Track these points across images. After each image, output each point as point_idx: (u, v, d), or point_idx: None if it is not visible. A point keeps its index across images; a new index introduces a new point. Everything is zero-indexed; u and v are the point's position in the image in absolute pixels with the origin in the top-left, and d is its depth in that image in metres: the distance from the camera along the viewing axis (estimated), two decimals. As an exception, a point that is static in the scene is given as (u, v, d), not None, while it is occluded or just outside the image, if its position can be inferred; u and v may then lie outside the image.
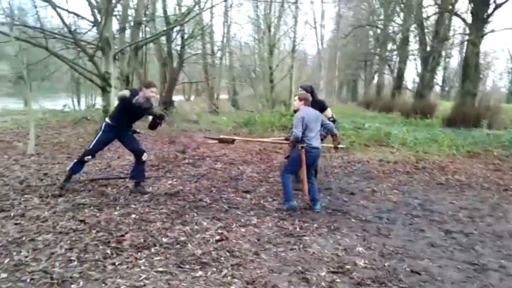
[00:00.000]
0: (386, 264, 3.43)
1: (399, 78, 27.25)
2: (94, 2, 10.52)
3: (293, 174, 5.16)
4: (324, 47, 28.45)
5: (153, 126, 5.38)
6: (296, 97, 5.11)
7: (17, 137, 9.80)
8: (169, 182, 5.97)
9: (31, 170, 6.53)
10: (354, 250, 3.70)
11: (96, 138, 5.40)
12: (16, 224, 3.96)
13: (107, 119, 5.40)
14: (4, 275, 2.92)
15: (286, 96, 23.31)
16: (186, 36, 18.01)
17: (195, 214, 4.47)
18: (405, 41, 25.93)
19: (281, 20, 23.37)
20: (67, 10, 10.62)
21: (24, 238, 3.59)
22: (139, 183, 5.43)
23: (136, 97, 4.95)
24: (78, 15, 11.29)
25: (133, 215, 4.33)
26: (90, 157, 5.39)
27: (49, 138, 10.04)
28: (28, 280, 2.86)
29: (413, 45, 27.19)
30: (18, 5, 9.97)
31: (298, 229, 4.19)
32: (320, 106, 5.50)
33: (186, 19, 13.82)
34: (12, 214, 4.23)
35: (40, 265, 3.09)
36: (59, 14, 9.43)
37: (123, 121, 5.30)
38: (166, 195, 5.26)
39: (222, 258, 3.34)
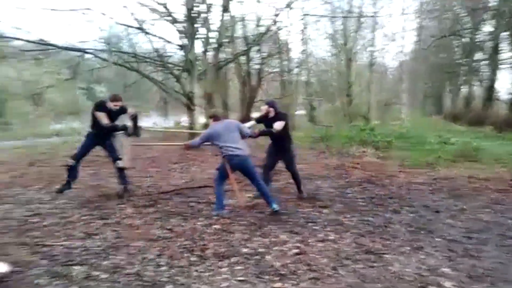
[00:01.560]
0: (474, 287, 3.24)
1: (490, 88, 25.20)
2: (180, 28, 11.36)
3: (221, 183, 5.34)
4: (406, 59, 27.40)
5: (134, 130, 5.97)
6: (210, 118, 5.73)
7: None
8: (248, 195, 6.19)
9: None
10: (438, 271, 3.55)
11: (81, 144, 6.00)
12: (113, 231, 4.42)
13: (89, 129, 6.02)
14: (104, 275, 3.29)
15: (364, 110, 22.79)
16: (264, 54, 18.55)
17: (273, 227, 4.61)
18: (496, 49, 24.03)
19: (358, 33, 23.04)
20: (156, 36, 11.60)
21: (120, 244, 3.99)
22: (126, 188, 6.05)
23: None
24: (166, 40, 12.27)
25: (215, 226, 4.59)
26: (74, 161, 5.89)
27: (141, 153, 10.93)
28: (123, 282, 3.18)
29: (506, 53, 25.07)
30: (114, 33, 11.02)
31: (378, 246, 4.11)
32: (278, 118, 5.87)
33: (263, 39, 14.28)
34: (110, 221, 4.73)
35: (134, 268, 3.43)
36: (150, 40, 10.36)
37: (99, 131, 5.86)
38: (246, 207, 5.47)
39: (300, 271, 3.41)
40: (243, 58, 17.47)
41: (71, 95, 23.89)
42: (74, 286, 3.07)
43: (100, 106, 5.83)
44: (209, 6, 12.28)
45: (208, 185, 6.67)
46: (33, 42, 9.55)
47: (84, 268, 3.39)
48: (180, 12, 11.71)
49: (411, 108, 27.27)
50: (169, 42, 11.67)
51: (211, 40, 13.63)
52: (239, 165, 5.25)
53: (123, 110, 5.97)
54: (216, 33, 13.41)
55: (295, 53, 24.66)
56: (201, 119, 12.99)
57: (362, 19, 20.90)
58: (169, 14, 11.27)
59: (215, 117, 5.54)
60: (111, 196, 5.98)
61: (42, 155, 10.50)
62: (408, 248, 4.09)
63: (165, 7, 11.10)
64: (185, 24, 11.28)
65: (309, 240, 4.20)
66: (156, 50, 11.21)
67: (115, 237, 4.20)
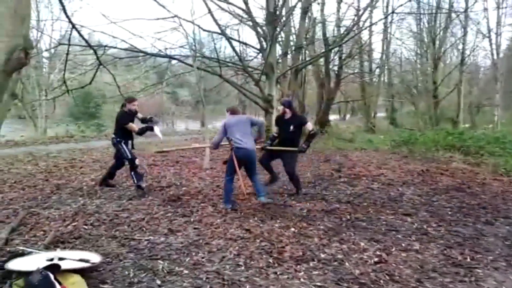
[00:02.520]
0: None
1: None
2: (260, 31, 11.53)
3: (230, 177, 5.63)
4: (501, 57, 25.03)
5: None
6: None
7: (195, 153, 11.23)
8: (326, 199, 6.06)
9: (206, 182, 7.44)
10: (540, 292, 3.16)
11: (125, 150, 6.46)
12: (195, 228, 4.59)
13: (117, 138, 6.48)
14: (186, 271, 3.41)
15: (453, 112, 21.26)
16: (344, 56, 18.15)
17: (352, 234, 4.45)
18: None
19: (447, 31, 21.56)
20: (238, 41, 11.91)
21: (201, 241, 4.13)
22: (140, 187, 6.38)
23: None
24: (246, 44, 12.54)
25: (292, 229, 4.55)
26: (137, 162, 6.49)
27: (220, 154, 11.26)
28: (204, 279, 3.27)
29: None
30: (198, 39, 11.55)
31: (468, 259, 3.78)
32: (300, 121, 6.22)
33: (345, 40, 13.97)
34: (191, 219, 4.92)
35: (214, 266, 3.52)
36: (231, 45, 10.65)
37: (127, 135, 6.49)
38: (323, 211, 5.36)
39: (382, 281, 3.25)
40: (321, 60, 17.26)
41: (157, 99, 25.48)
42: (158, 280, 3.22)
43: (124, 117, 6.44)
44: (292, 9, 12.31)
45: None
46: (126, 49, 10.31)
47: (167, 263, 3.55)
48: (260, 16, 11.95)
49: (507, 110, 24.81)
50: (249, 46, 11.93)
51: (291, 43, 13.68)
52: (244, 157, 5.53)
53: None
54: (296, 36, 13.42)
55: (377, 54, 23.75)
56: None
57: (452, 15, 19.49)
58: (250, 19, 11.48)
59: (232, 111, 5.85)
60: (192, 195, 6.21)
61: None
62: (504, 263, 3.71)
63: (246, 12, 11.33)
64: (265, 28, 11.42)
65: (391, 249, 3.99)
66: (238, 54, 11.47)
67: (196, 235, 4.35)
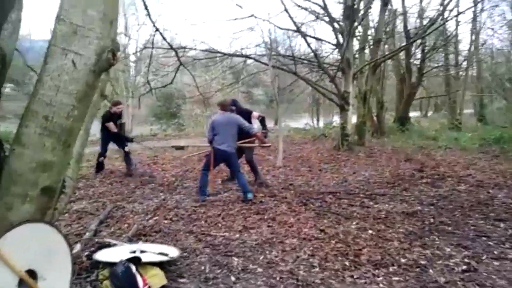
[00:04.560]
0: None
1: None
2: (337, 26, 11.25)
3: (205, 171, 5.98)
4: None
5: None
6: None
7: (269, 151, 11.28)
8: (406, 201, 5.72)
9: (279, 180, 7.44)
10: None
11: (102, 144, 8.10)
12: (268, 226, 4.58)
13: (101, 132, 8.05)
14: (260, 269, 3.41)
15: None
16: (427, 49, 17.07)
17: (436, 238, 4.13)
18: None
19: (548, 17, 19.29)
20: (313, 37, 11.74)
21: (274, 240, 4.11)
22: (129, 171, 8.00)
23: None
24: (322, 40, 12.30)
25: (370, 231, 4.35)
26: (103, 158, 8.06)
27: (293, 153, 11.22)
28: (278, 278, 3.23)
29: None
30: (273, 38, 11.56)
31: None
32: (248, 113, 6.80)
33: (428, 32, 13.12)
34: (265, 217, 4.92)
35: (288, 266, 3.47)
36: (306, 42, 10.52)
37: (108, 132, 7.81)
38: (403, 214, 5.06)
39: (470, 292, 2.97)
40: (402, 54, 16.41)
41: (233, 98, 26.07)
42: (233, 277, 3.25)
43: (107, 117, 7.68)
44: (370, 1, 11.84)
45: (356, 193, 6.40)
46: (204, 51, 10.68)
47: (242, 260, 3.57)
48: (336, 11, 11.65)
49: None
50: (325, 42, 11.68)
51: (369, 37, 13.17)
52: (221, 158, 5.94)
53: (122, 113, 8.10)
54: (375, 29, 12.88)
55: (464, 45, 21.98)
56: (354, 119, 12.65)
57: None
58: (326, 14, 11.24)
59: (222, 106, 6.09)
60: (265, 193, 6.22)
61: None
62: None
63: (322, 7, 11.11)
64: (342, 22, 11.12)
65: (482, 257, 3.63)
66: (314, 51, 11.30)
67: (270, 233, 4.33)
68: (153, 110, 22.89)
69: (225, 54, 10.66)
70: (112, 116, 7.75)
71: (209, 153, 6.11)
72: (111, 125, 7.68)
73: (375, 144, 12.72)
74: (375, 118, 15.74)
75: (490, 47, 24.31)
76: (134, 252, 3.28)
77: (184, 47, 11.04)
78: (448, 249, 3.81)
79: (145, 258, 3.13)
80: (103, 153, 8.06)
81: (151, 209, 5.38)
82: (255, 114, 7.09)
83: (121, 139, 8.07)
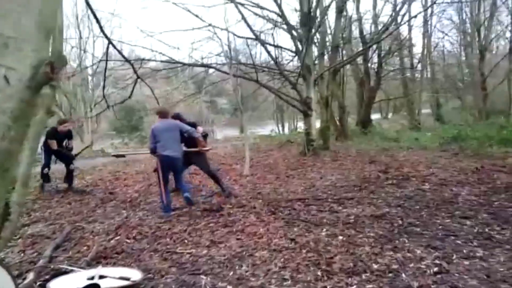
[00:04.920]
0: None
1: None
2: (295, 34, 11.31)
3: (166, 184, 5.80)
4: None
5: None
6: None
7: (235, 160, 11.14)
8: (374, 203, 5.73)
9: (247, 189, 7.29)
10: None
11: (43, 158, 7.66)
12: (237, 239, 4.42)
13: (42, 147, 7.59)
14: (230, 287, 3.25)
15: (504, 105, 19.99)
16: (383, 53, 17.55)
17: (406, 240, 4.12)
18: None
19: (493, 19, 20.35)
20: (272, 45, 11.75)
21: (244, 253, 3.95)
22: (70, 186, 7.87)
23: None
24: (281, 48, 12.33)
25: (340, 237, 4.28)
26: (47, 169, 7.64)
27: (260, 160, 11.12)
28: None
29: None
30: (233, 47, 11.47)
31: (543, 267, 3.37)
32: (193, 126, 6.43)
33: (383, 36, 13.47)
34: (234, 229, 4.76)
35: (259, 280, 3.32)
36: (266, 49, 10.50)
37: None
38: (372, 217, 5.04)
39: (444, 294, 2.93)
40: (360, 59, 16.78)
41: (196, 108, 25.81)
42: (202, 296, 3.07)
43: (50, 134, 7.45)
44: (326, 8, 12.01)
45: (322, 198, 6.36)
46: (164, 61, 10.43)
47: (210, 278, 3.40)
48: (293, 19, 11.72)
49: None
50: (284, 49, 11.72)
51: (327, 43, 13.35)
52: (169, 164, 5.80)
53: (70, 132, 7.90)
54: (332, 35, 13.08)
55: (418, 48, 22.82)
56: (318, 124, 12.74)
57: (498, 2, 18.39)
58: (284, 22, 11.29)
59: (161, 114, 6.05)
60: (233, 204, 6.07)
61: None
62: None
63: (280, 15, 11.15)
64: (300, 30, 11.20)
65: (452, 257, 3.63)
66: (274, 59, 11.30)
67: (239, 246, 4.18)
68: (114, 124, 22.24)
69: (184, 64, 10.47)
70: (56, 134, 7.55)
71: (156, 167, 5.95)
72: (53, 143, 7.51)
73: (340, 147, 12.84)
74: (338, 122, 15.96)
75: (442, 49, 25.40)
76: (92, 278, 3.05)
77: (142, 59, 10.77)
78: (419, 251, 3.79)
79: (104, 284, 2.90)
80: (46, 164, 7.67)
81: (113, 229, 5.10)
82: (200, 129, 6.92)
83: (64, 156, 7.82)
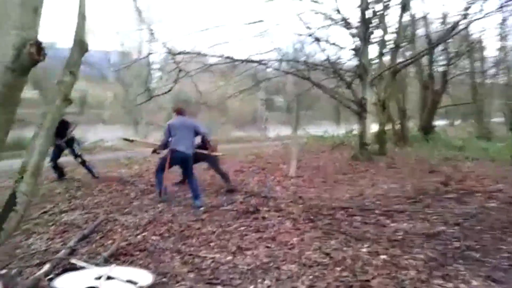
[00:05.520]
0: None
1: None
2: (354, 31, 10.67)
3: (160, 172, 6.02)
4: None
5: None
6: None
7: (283, 159, 10.74)
8: (428, 219, 5.08)
9: (289, 191, 6.89)
10: None
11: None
12: (267, 247, 4.04)
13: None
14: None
15: None
16: (451, 55, 16.22)
17: (461, 267, 3.51)
18: None
19: None
20: (329, 42, 11.16)
21: (271, 264, 3.57)
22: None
23: None
24: (336, 45, 11.64)
25: (383, 256, 3.76)
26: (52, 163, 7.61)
27: (309, 162, 10.65)
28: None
29: None
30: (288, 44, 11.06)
31: None
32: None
33: (451, 35, 12.35)
34: (265, 236, 4.39)
35: (280, 298, 2.94)
36: (320, 47, 9.98)
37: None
38: (423, 235, 4.43)
39: None
40: (424, 60, 15.63)
41: (252, 105, 25.64)
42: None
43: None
44: (386, 6, 11.22)
45: (369, 208, 5.79)
46: (216, 56, 10.26)
47: (227, 290, 3.06)
48: (353, 16, 11.07)
49: None
50: (338, 46, 11.07)
51: (388, 42, 12.51)
52: (179, 160, 5.89)
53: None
54: (394, 34, 12.21)
55: (491, 51, 20.95)
56: (374, 127, 11.99)
57: None
58: (343, 19, 10.68)
59: (178, 111, 6.09)
60: (271, 207, 5.70)
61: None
62: None
63: (338, 11, 10.57)
64: (358, 27, 10.55)
65: (518, 295, 3.00)
66: (327, 57, 10.75)
67: (266, 256, 3.80)
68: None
69: (235, 60, 10.20)
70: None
71: (164, 155, 6.03)
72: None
73: (397, 154, 12.01)
74: (397, 127, 15.00)
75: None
76: (99, 278, 2.82)
77: (202, 54, 10.75)
78: (476, 282, 3.19)
79: (108, 287, 2.66)
80: (51, 158, 7.60)
81: (143, 223, 4.94)
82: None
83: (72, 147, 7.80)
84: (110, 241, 4.24)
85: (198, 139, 6.84)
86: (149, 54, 8.68)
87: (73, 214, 5.42)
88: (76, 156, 7.86)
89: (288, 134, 21.29)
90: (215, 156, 6.91)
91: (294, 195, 6.58)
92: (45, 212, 5.50)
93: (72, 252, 3.84)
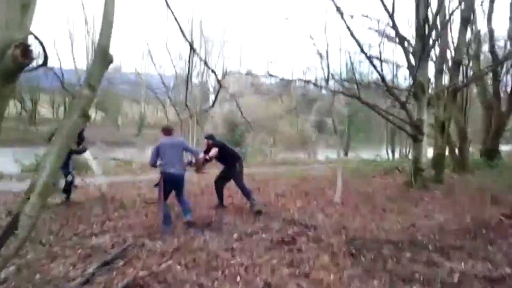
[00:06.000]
0: None
1: None
2: (409, 47, 10.06)
3: (164, 199, 5.79)
4: None
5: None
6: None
7: (330, 184, 10.17)
8: (490, 259, 4.37)
9: (332, 220, 6.37)
10: None
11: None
12: (297, 285, 3.59)
13: None
14: None
15: None
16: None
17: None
18: None
19: None
20: (381, 60, 10.60)
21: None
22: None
23: None
24: (385, 62, 11.02)
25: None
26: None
27: (358, 188, 10.00)
28: None
29: None
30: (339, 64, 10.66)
31: None
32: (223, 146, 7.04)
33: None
34: (298, 271, 3.93)
35: None
36: (372, 64, 9.45)
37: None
38: (485, 279, 3.79)
39: None
40: (489, 78, 14.48)
41: (301, 128, 25.20)
42: None
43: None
44: (448, 19, 10.50)
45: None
46: (255, 75, 10.11)
47: None
48: (409, 31, 10.44)
49: None
50: (397, 65, 10.47)
51: (447, 59, 11.70)
52: (173, 182, 5.78)
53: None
54: (454, 50, 11.38)
55: None
56: (431, 151, 11.11)
57: None
58: (397, 34, 10.11)
59: (165, 131, 5.98)
60: (310, 237, 5.22)
61: (260, 183, 10.80)
62: None
63: (392, 26, 10.02)
64: (415, 43, 9.92)
65: None
66: (381, 75, 10.17)
67: (296, 297, 3.36)
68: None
69: (284, 80, 9.96)
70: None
71: (159, 182, 5.90)
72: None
73: (456, 181, 10.99)
74: (456, 151, 13.87)
75: None
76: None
77: (250, 74, 10.75)
78: None
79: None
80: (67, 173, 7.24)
81: (171, 249, 4.66)
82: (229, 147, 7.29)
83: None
84: (131, 269, 3.99)
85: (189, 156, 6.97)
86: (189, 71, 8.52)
87: (103, 237, 5.27)
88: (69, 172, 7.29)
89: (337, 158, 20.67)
90: (241, 173, 7.06)
91: (337, 224, 6.04)
92: (76, 234, 5.41)
93: (87, 281, 3.62)
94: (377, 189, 9.72)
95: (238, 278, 3.78)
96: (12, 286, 3.53)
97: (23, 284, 3.58)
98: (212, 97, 22.69)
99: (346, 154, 24.23)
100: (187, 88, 7.31)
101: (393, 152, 23.54)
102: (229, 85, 17.53)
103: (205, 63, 6.01)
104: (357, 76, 11.28)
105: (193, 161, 6.69)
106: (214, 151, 6.84)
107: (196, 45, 21.62)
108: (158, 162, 5.83)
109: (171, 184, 5.82)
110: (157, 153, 5.80)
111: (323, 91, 12.35)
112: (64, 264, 4.20)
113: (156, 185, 6.05)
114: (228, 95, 17.60)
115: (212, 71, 5.71)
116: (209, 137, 7.23)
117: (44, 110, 38.88)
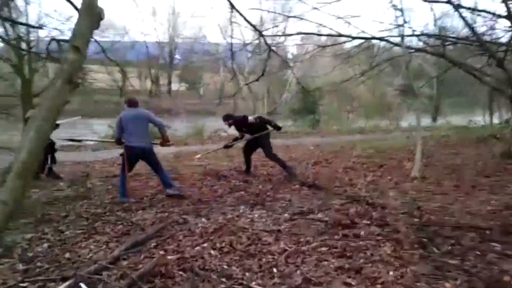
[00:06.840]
0: None
1: None
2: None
3: (123, 173, 5.67)
4: None
5: None
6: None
7: (409, 155, 9.02)
8: None
9: (406, 198, 5.47)
10: None
11: None
12: (345, 284, 2.90)
13: None
14: None
15: None
16: None
17: None
18: None
19: None
20: (472, 10, 8.84)
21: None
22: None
23: None
24: (480, 11, 9.02)
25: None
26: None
27: (442, 159, 8.78)
28: None
29: None
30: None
31: None
32: (244, 119, 7.16)
33: None
34: (348, 265, 3.19)
35: None
36: (460, 15, 7.90)
37: None
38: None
39: None
40: None
41: (384, 91, 23.33)
42: None
43: None
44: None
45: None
46: (328, 35, 9.08)
47: None
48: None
49: None
50: (485, 12, 8.57)
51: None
52: (136, 155, 5.61)
53: None
54: None
55: None
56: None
57: None
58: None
59: (129, 102, 5.74)
60: (373, 220, 4.43)
61: (330, 154, 9.99)
62: None
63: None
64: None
65: None
66: (472, 28, 8.54)
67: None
68: (290, 106, 21.98)
69: (354, 38, 8.80)
70: None
71: (123, 154, 5.71)
72: None
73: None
74: None
75: None
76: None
77: (300, 33, 10.02)
78: None
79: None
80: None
81: (211, 230, 4.21)
82: (250, 118, 7.11)
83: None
84: (162, 252, 3.62)
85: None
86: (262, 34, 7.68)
87: (148, 213, 5.01)
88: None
89: (425, 125, 18.75)
90: (269, 142, 6.99)
91: (411, 204, 5.12)
92: (123, 208, 5.22)
93: (114, 262, 3.30)
94: (467, 161, 8.41)
95: (275, 270, 3.19)
96: (36, 267, 3.33)
97: (50, 264, 3.37)
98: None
99: (434, 120, 21.97)
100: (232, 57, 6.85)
101: (491, 116, 20.78)
102: (305, 48, 16.57)
103: (250, 23, 5.26)
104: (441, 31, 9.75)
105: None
106: (251, 118, 7.07)
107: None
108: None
109: (135, 157, 5.70)
110: (121, 126, 5.62)
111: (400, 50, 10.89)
112: (97, 242, 3.97)
113: (122, 154, 5.84)
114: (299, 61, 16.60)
115: (259, 32, 5.01)
116: (226, 117, 7.27)
117: (135, 82, 41.14)
